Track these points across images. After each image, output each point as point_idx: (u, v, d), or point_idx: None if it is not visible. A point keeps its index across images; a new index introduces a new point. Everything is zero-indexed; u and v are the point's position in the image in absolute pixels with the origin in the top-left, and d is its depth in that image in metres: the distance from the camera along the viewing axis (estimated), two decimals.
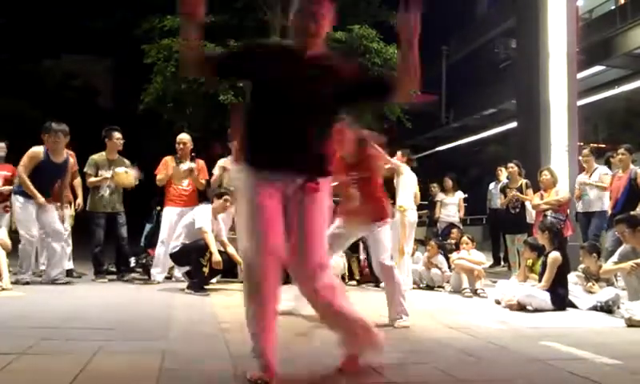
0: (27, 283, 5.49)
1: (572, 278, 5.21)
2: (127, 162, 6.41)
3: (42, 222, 5.75)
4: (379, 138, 4.52)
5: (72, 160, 6.13)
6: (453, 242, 7.15)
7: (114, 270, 6.42)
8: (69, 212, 6.48)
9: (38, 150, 5.69)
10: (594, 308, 4.77)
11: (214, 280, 5.67)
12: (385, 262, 4.01)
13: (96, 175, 6.19)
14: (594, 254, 5.32)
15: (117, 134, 6.32)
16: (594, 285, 5.08)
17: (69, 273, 6.32)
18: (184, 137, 6.49)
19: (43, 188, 5.70)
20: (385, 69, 10.86)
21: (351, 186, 3.83)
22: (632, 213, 5.54)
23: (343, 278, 6.47)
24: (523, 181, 7.39)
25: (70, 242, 6.47)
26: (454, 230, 7.66)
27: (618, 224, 5.06)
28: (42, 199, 5.62)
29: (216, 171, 6.46)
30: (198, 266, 5.21)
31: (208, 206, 5.65)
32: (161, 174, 6.33)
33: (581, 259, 5.49)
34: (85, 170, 6.27)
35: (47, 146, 5.73)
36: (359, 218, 3.87)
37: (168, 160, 6.41)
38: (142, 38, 11.32)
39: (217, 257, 5.19)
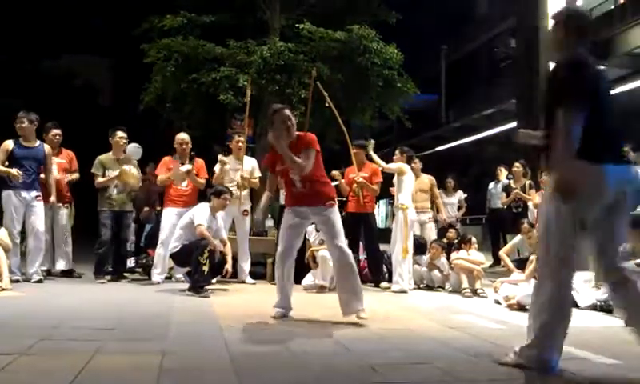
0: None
1: (577, 277, 5.19)
2: (134, 160, 6.42)
3: (27, 219, 5.76)
4: None
5: (47, 148, 6.08)
6: (445, 241, 7.09)
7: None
8: (68, 211, 6.48)
9: (6, 142, 5.89)
10: (594, 307, 4.77)
11: (213, 280, 5.65)
12: (344, 247, 3.95)
13: (103, 176, 6.19)
14: None
15: (119, 133, 6.32)
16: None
17: (69, 273, 6.32)
18: (183, 136, 6.48)
19: (30, 177, 5.79)
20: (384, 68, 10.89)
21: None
22: (632, 212, 5.52)
23: None
24: (527, 181, 7.37)
25: (70, 241, 6.46)
26: (451, 230, 7.65)
27: None
28: (13, 171, 5.66)
29: (217, 168, 6.46)
30: (197, 264, 5.20)
31: (206, 204, 5.64)
32: (162, 175, 6.32)
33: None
34: (92, 170, 6.26)
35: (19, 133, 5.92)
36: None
37: (168, 160, 6.40)
38: (141, 38, 11.32)
39: (212, 243, 5.32)
